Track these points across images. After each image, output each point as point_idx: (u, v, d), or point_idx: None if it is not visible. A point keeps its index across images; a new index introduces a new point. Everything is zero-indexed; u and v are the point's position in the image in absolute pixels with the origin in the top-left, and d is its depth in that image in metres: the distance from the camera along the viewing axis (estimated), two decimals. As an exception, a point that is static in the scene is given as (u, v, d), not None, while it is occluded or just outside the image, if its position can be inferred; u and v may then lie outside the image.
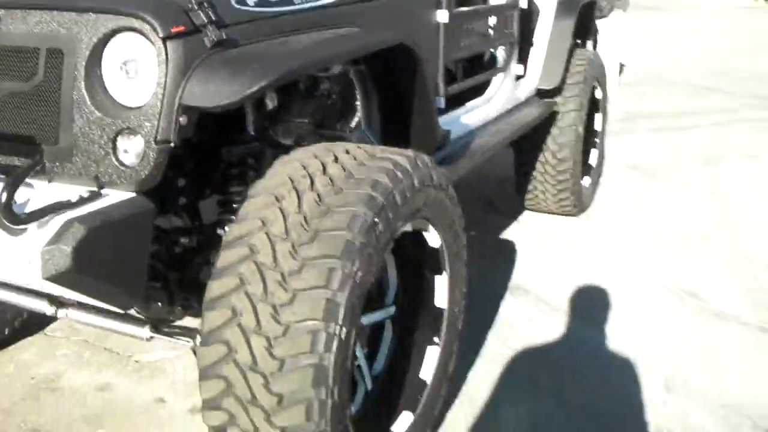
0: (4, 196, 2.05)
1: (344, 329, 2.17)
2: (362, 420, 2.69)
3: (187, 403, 3.34)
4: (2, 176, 2.31)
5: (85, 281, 2.16)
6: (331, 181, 2.35)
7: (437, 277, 2.96)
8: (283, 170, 2.41)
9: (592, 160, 6.10)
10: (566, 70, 5.30)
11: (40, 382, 3.49)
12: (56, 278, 2.09)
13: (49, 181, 2.37)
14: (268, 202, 2.30)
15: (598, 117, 6.09)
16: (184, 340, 2.69)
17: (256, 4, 2.56)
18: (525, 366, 3.73)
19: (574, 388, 3.55)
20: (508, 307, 4.35)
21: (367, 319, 2.73)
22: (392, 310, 2.96)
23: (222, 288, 2.21)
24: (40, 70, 2.37)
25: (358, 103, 3.31)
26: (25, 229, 2.12)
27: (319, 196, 2.29)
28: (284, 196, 2.30)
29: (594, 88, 5.78)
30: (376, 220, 2.28)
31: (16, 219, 2.08)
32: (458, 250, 2.97)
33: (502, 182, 6.20)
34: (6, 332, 3.73)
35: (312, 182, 2.34)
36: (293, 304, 2.15)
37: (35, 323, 3.90)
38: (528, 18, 5.11)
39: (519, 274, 4.80)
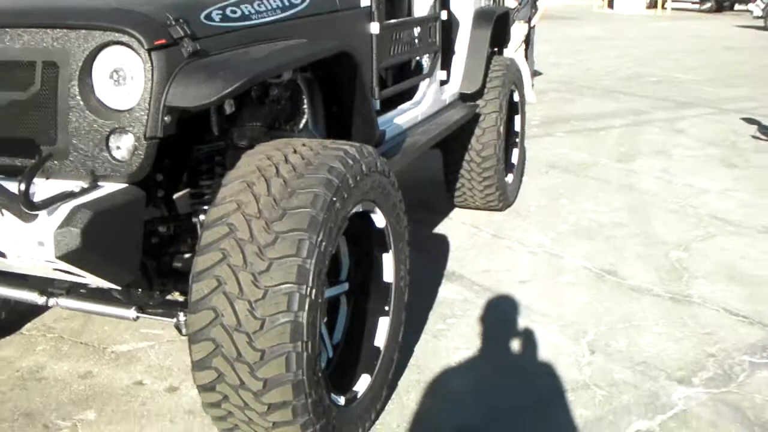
0: (23, 187, 2.39)
1: (314, 290, 2.57)
2: (334, 384, 3.08)
3: (165, 383, 3.67)
4: (1, 175, 2.68)
5: (91, 259, 2.52)
6: (294, 168, 2.74)
7: (384, 255, 3.37)
8: (251, 161, 2.80)
9: (514, 158, 6.59)
10: (485, 75, 5.77)
11: (24, 373, 3.78)
12: (67, 256, 2.45)
13: (47, 178, 2.71)
14: (241, 188, 2.69)
15: (517, 119, 6.59)
16: (167, 319, 3.04)
17: (221, 20, 2.95)
18: (463, 338, 4.15)
19: (507, 354, 3.99)
20: (445, 291, 4.78)
21: (328, 293, 3.13)
22: (346, 286, 3.36)
23: (207, 262, 2.59)
24: (37, 80, 2.72)
25: (305, 106, 3.71)
26: (37, 216, 2.47)
27: (284, 180, 2.69)
28: (254, 182, 2.69)
29: (512, 91, 6.27)
30: (333, 198, 2.69)
31: (33, 206, 2.43)
32: (401, 230, 3.39)
33: (433, 184, 6.64)
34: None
35: (277, 170, 2.73)
36: (270, 271, 2.54)
37: (9, 325, 4.19)
38: (449, 28, 5.59)
39: (453, 263, 5.23)
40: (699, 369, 3.86)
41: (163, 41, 2.64)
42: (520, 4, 10.97)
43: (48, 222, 2.46)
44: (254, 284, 2.53)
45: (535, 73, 12.71)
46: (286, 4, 3.31)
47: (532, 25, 11.66)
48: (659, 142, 8.90)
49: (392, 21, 4.32)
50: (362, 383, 3.24)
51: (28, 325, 4.27)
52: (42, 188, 2.61)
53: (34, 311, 4.33)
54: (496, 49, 6.55)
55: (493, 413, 3.46)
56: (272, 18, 3.21)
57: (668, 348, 4.07)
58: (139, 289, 3.21)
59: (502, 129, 5.86)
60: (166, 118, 2.65)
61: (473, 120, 5.77)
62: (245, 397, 2.60)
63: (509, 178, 6.42)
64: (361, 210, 3.05)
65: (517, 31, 10.67)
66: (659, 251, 5.46)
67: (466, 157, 5.89)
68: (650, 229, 5.94)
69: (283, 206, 2.62)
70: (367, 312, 3.41)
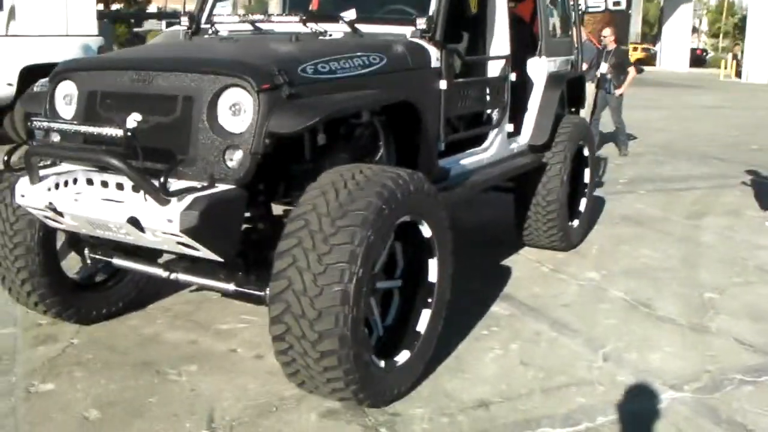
0: (162, 181, 3.48)
1: (361, 270, 3.54)
2: (377, 352, 4.02)
3: (253, 352, 4.68)
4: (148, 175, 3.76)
5: (203, 234, 3.58)
6: (357, 183, 3.74)
7: (430, 260, 4.31)
8: (328, 177, 3.82)
9: (582, 206, 7.42)
10: (553, 130, 6.67)
11: (145, 338, 4.87)
12: (188, 231, 3.51)
13: (179, 179, 3.78)
14: (317, 195, 3.70)
15: (587, 171, 7.44)
16: (257, 292, 4.06)
17: (313, 73, 4.01)
18: (500, 342, 5.02)
19: (532, 355, 4.85)
20: (496, 307, 5.65)
21: (381, 285, 4.11)
22: (399, 282, 4.32)
23: (287, 245, 3.60)
24: (177, 109, 3.83)
25: (380, 143, 4.72)
26: (170, 201, 3.54)
27: (349, 191, 3.69)
28: (327, 191, 3.70)
29: (581, 147, 7.14)
30: (383, 206, 3.67)
31: (168, 194, 3.50)
32: (445, 241, 4.33)
33: (508, 224, 7.51)
34: (120, 305, 5.14)
35: (345, 184, 3.73)
36: (330, 253, 3.53)
37: (138, 303, 5.30)
38: (523, 88, 6.53)
39: (509, 288, 6.10)
40: (693, 380, 4.61)
41: (268, 86, 3.71)
42: (590, 66, 11.85)
43: (177, 206, 3.53)
44: (318, 262, 3.53)
45: (629, 137, 13.48)
46: (366, 63, 4.35)
47: (620, 92, 12.49)
48: (734, 204, 9.53)
49: (460, 80, 5.29)
50: (402, 357, 4.17)
51: (151, 305, 5.38)
52: (175, 184, 3.69)
53: (157, 294, 5.44)
54: (573, 109, 7.48)
55: (510, 394, 4.33)
56: (354, 73, 4.25)
57: (672, 363, 4.84)
58: (240, 272, 4.24)
59: (565, 178, 6.72)
60: (266, 141, 3.70)
61: (540, 169, 6.67)
62: (305, 346, 3.58)
63: (575, 223, 7.26)
64: (408, 220, 4.01)
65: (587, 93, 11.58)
66: (695, 291, 6.19)
67: (533, 201, 6.77)
68: (695, 273, 6.67)
69: (345, 209, 3.62)
70: (414, 304, 4.34)
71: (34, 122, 3.86)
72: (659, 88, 31.71)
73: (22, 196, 4.02)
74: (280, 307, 3.59)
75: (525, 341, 5.07)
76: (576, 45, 7.59)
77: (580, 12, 28.07)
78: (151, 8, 66.61)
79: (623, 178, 11.15)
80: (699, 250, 7.46)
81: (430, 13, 4.90)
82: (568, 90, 7.44)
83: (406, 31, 4.90)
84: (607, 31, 12.91)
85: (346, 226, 3.57)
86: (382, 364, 3.98)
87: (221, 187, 3.73)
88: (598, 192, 9.82)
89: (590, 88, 11.99)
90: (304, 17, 5.02)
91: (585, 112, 11.40)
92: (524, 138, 6.55)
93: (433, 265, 4.32)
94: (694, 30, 75.87)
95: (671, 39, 51.55)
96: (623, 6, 36.84)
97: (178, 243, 3.73)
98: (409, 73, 4.70)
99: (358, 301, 3.58)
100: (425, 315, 4.33)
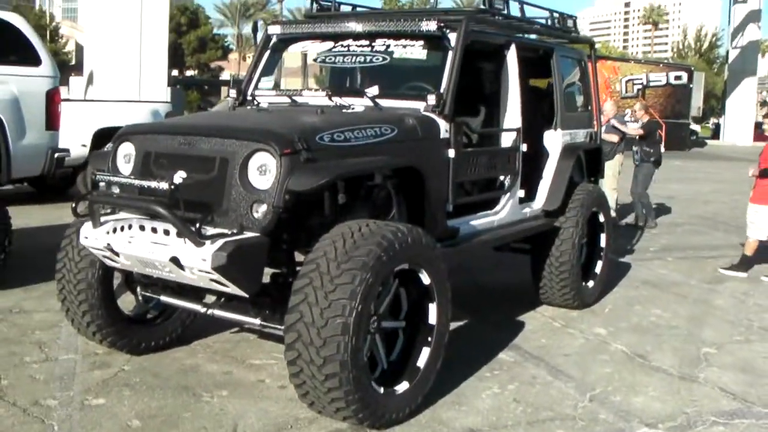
0: (198, 226, 4.24)
1: (360, 305, 4.23)
2: (378, 381, 4.68)
3: (278, 383, 5.35)
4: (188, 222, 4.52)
5: (232, 272, 4.32)
6: (362, 234, 4.45)
7: (430, 305, 4.98)
8: (339, 230, 4.53)
9: (598, 269, 8.00)
10: (567, 196, 7.31)
11: (186, 367, 5.60)
12: (218, 269, 4.25)
13: (214, 227, 4.54)
14: (327, 243, 4.42)
15: (603, 236, 8.04)
16: (279, 327, 4.75)
17: (329, 141, 4.77)
18: (499, 384, 5.61)
19: (526, 394, 5.44)
20: (503, 354, 6.25)
21: (387, 325, 4.79)
22: (403, 323, 4.99)
23: (300, 284, 4.32)
24: (215, 168, 4.61)
25: (393, 203, 5.43)
26: (204, 244, 4.29)
27: (354, 240, 4.40)
28: (336, 240, 4.42)
29: (596, 213, 7.75)
30: (381, 254, 4.37)
31: (203, 238, 4.26)
32: (443, 288, 4.99)
33: (528, 285, 8.10)
34: (167, 339, 5.89)
35: (352, 234, 4.44)
36: (335, 291, 4.24)
37: (183, 339, 6.04)
38: (539, 157, 7.22)
39: (519, 339, 6.70)
40: (668, 420, 5.15)
41: (289, 151, 4.47)
42: (622, 140, 12.49)
43: (210, 248, 4.29)
44: (325, 298, 4.23)
45: (660, 207, 13.95)
46: (378, 133, 5.09)
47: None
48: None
49: (468, 149, 6.00)
50: (402, 387, 4.82)
51: (195, 341, 6.13)
52: (210, 231, 4.45)
53: (201, 332, 6.18)
54: (592, 178, 8.14)
55: (497, 424, 4.93)
56: (366, 142, 5.00)
57: (654, 405, 5.38)
58: (266, 310, 4.96)
59: (577, 241, 7.33)
60: (286, 197, 4.44)
61: (554, 232, 7.30)
62: (312, 369, 4.27)
63: (590, 284, 7.84)
64: (407, 268, 4.69)
65: (614, 162, 12.25)
66: (694, 347, 6.70)
67: (547, 262, 7.38)
68: (699, 331, 7.18)
69: (349, 255, 4.33)
70: (416, 342, 5.00)
71: (97, 176, 4.69)
72: (720, 162, 31.98)
73: (86, 237, 4.85)
74: (293, 336, 4.30)
75: (522, 383, 5.66)
76: (595, 118, 8.25)
77: (641, 86, 28.86)
78: (224, 75, 69.08)
79: (655, 246, 11.65)
80: (709, 311, 7.95)
81: (441, 91, 5.65)
82: (587, 160, 8.11)
83: (420, 105, 5.65)
84: (638, 106, 13.56)
85: (349, 269, 4.27)
86: (381, 390, 4.64)
87: (248, 234, 4.47)
88: (626, 258, 10.42)
89: (619, 159, 12.61)
90: (330, 92, 5.81)
91: (610, 183, 12.11)
92: (538, 203, 7.20)
93: (432, 308, 4.98)
94: (765, 103, 75.44)
95: (735, 112, 51.58)
96: (684, 80, 37.99)
97: (211, 280, 4.47)
98: (419, 143, 5.42)
99: (357, 332, 4.26)
100: (425, 352, 4.98)
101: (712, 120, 67.14)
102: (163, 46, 25.57)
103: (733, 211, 15.99)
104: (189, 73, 71.39)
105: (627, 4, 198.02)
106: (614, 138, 12.31)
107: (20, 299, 7.19)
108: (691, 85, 41.25)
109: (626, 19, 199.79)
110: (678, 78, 40.48)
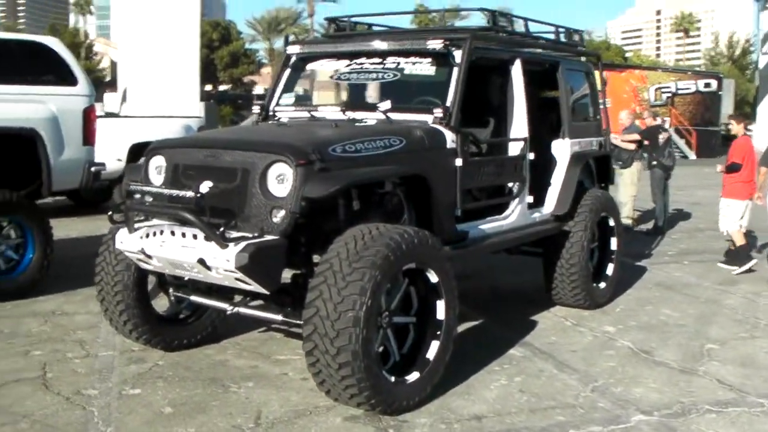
0: (221, 230, 4.69)
1: (370, 300, 4.65)
2: (390, 371, 5.10)
3: (300, 376, 5.77)
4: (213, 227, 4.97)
5: (253, 271, 4.76)
6: (372, 236, 4.87)
7: (438, 301, 5.38)
8: (351, 232, 4.96)
9: (609, 270, 8.35)
10: (575, 201, 7.68)
11: (216, 362, 6.07)
12: (241, 268, 4.70)
13: (237, 231, 4.99)
14: (340, 245, 4.85)
15: (613, 240, 8.39)
16: (298, 322, 5.18)
17: (341, 152, 5.21)
18: (507, 376, 5.98)
19: (531, 385, 5.81)
20: (513, 350, 6.63)
21: (398, 320, 5.20)
22: (413, 319, 5.40)
23: (316, 282, 4.76)
24: (238, 178, 5.06)
25: (404, 209, 5.85)
26: (228, 246, 4.74)
27: (364, 242, 4.82)
28: (348, 242, 4.85)
29: (605, 217, 8.11)
30: (388, 253, 4.79)
31: (227, 240, 4.71)
32: (450, 286, 5.39)
33: (542, 287, 8.46)
34: (199, 337, 6.36)
35: (362, 236, 4.87)
36: (346, 288, 4.66)
37: (214, 337, 6.50)
38: (548, 165, 7.60)
39: (530, 337, 7.07)
40: (664, 408, 5.49)
41: (303, 162, 4.92)
42: (639, 148, 12.83)
43: (233, 249, 4.74)
44: (337, 294, 4.66)
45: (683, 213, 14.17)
46: (387, 144, 5.52)
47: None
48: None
49: (475, 158, 6.41)
50: (412, 376, 5.23)
51: (225, 340, 6.60)
52: (234, 234, 4.90)
53: (231, 332, 6.64)
54: (603, 184, 8.52)
55: (502, 411, 5.31)
56: (375, 152, 5.44)
57: (651, 395, 5.72)
58: (288, 308, 5.40)
59: (586, 244, 7.69)
60: (302, 203, 4.88)
61: (564, 236, 7.67)
62: (327, 359, 4.69)
63: (602, 285, 8.19)
64: (414, 267, 5.11)
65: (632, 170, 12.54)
66: (698, 343, 7.02)
67: (558, 264, 7.75)
68: (705, 329, 7.48)
69: (360, 254, 4.76)
70: (426, 336, 5.40)
71: (131, 186, 5.17)
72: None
73: (121, 242, 5.33)
74: (310, 329, 4.73)
75: (528, 375, 6.04)
76: (604, 127, 8.62)
77: (671, 94, 28.91)
78: (258, 89, 69.91)
79: (673, 250, 11.93)
80: (718, 310, 8.25)
81: (447, 104, 6.07)
82: (597, 167, 8.49)
83: (428, 118, 6.07)
84: (646, 113, 13.94)
85: (359, 268, 4.70)
86: (392, 378, 5.05)
87: (268, 237, 4.91)
88: (642, 262, 10.73)
89: (637, 167, 12.93)
90: (344, 107, 6.26)
91: (629, 190, 12.45)
92: (547, 208, 7.58)
93: (440, 305, 5.39)
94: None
95: (766, 118, 51.33)
96: (713, 88, 37.97)
97: (235, 279, 4.91)
98: (426, 153, 5.84)
99: (368, 324, 4.68)
100: (434, 345, 5.38)
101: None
102: (194, 63, 26.24)
103: (756, 217, 16.16)
104: (222, 87, 72.35)
105: (658, 12, 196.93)
106: (631, 146, 12.64)
107: (62, 303, 7.75)
108: (720, 93, 41.22)
109: (658, 27, 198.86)
110: (707, 86, 40.45)
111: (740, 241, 10.31)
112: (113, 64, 55.32)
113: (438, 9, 45.36)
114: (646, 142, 13.16)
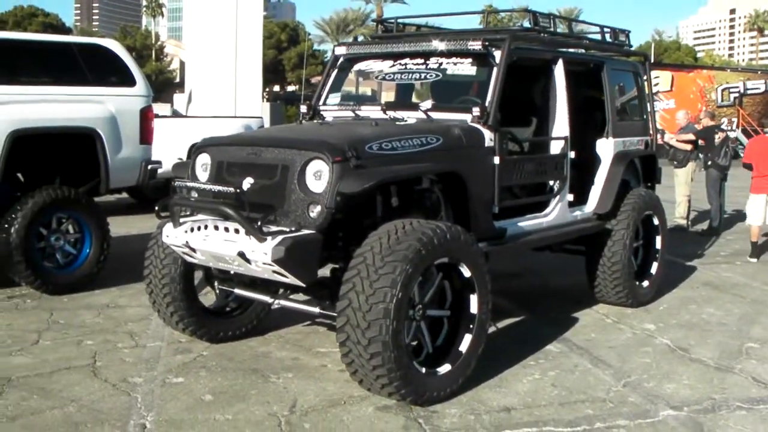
0: (259, 224, 4.91)
1: (400, 293, 4.83)
2: (423, 363, 5.27)
3: (339, 367, 5.94)
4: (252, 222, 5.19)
5: (290, 263, 4.98)
6: (405, 231, 5.05)
7: (472, 295, 5.53)
8: (385, 227, 5.14)
9: (653, 269, 8.40)
10: (617, 200, 7.75)
11: (258, 354, 6.30)
12: (277, 261, 4.92)
13: (277, 225, 5.21)
14: (374, 240, 5.04)
15: (658, 239, 8.43)
16: (333, 314, 5.36)
17: (377, 149, 5.39)
18: (541, 371, 6.10)
19: (564, 379, 5.92)
20: (550, 346, 6.73)
21: (432, 313, 5.37)
22: (447, 312, 5.56)
23: (350, 275, 4.96)
24: (277, 174, 5.29)
25: (441, 206, 6.01)
26: (266, 239, 4.95)
27: (397, 236, 5.00)
28: (382, 237, 5.03)
29: (649, 216, 8.16)
30: (420, 248, 4.96)
31: (264, 234, 4.93)
32: (483, 280, 5.53)
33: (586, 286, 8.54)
34: (243, 330, 6.60)
35: (396, 231, 5.05)
36: (378, 280, 4.84)
37: (258, 330, 6.74)
38: (591, 164, 7.69)
39: (569, 333, 7.16)
40: (694, 404, 5.56)
41: (340, 159, 5.12)
42: (695, 148, 12.76)
43: (271, 243, 4.96)
44: (369, 287, 4.85)
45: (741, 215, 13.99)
46: (424, 142, 5.69)
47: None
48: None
49: (513, 156, 6.54)
50: (444, 368, 5.39)
51: (269, 333, 6.84)
52: (272, 228, 5.12)
53: (275, 326, 6.88)
54: (649, 184, 8.56)
55: (532, 404, 5.44)
56: (412, 150, 5.61)
57: (683, 391, 5.80)
58: (326, 301, 5.61)
59: (628, 243, 7.76)
60: (337, 198, 5.08)
61: (607, 235, 7.75)
62: (359, 349, 4.88)
63: (645, 283, 8.24)
64: (447, 261, 5.27)
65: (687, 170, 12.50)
66: (738, 342, 7.04)
67: (600, 262, 7.83)
68: (747, 328, 7.49)
69: (392, 248, 4.94)
70: (459, 329, 5.56)
71: (177, 182, 5.43)
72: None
73: (167, 236, 5.59)
74: (343, 320, 4.93)
75: (562, 370, 6.15)
76: (651, 127, 8.66)
77: (738, 94, 28.50)
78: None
79: (727, 251, 11.86)
80: (763, 310, 8.21)
81: (485, 103, 6.21)
82: (642, 166, 8.54)
83: (467, 117, 6.22)
84: (702, 113, 13.86)
85: (391, 261, 4.88)
86: (423, 369, 5.22)
87: (305, 231, 5.12)
88: (693, 262, 10.72)
89: (692, 167, 12.88)
90: (384, 107, 6.45)
91: (683, 190, 12.42)
92: (589, 207, 7.67)
93: (474, 299, 5.54)
94: None
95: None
96: (783, 86, 35.77)
97: (273, 272, 5.13)
98: (463, 151, 6.00)
99: (398, 316, 4.86)
100: (467, 338, 5.54)
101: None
102: (257, 65, 26.72)
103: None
104: (290, 88, 73.10)
105: (732, 11, 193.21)
106: (687, 146, 12.61)
107: (116, 297, 8.10)
108: (790, 92, 40.35)
109: (731, 26, 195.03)
110: (777, 84, 39.69)
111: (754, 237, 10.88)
112: (182, 65, 56.31)
113: (473, 11, 45.28)
114: (701, 142, 13.08)
